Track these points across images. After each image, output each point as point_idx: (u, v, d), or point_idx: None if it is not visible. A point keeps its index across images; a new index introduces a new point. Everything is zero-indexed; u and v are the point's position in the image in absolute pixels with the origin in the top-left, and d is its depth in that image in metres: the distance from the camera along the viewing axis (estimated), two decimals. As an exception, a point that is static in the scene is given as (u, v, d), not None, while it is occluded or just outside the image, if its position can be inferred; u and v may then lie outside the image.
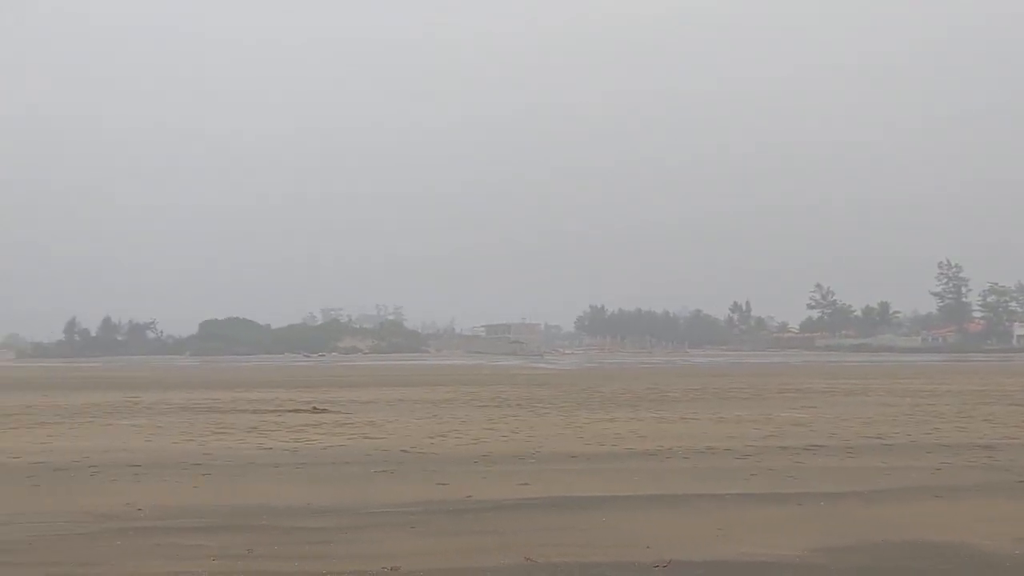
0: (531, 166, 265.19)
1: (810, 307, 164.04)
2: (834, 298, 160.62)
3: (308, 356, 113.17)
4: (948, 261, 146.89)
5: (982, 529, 7.31)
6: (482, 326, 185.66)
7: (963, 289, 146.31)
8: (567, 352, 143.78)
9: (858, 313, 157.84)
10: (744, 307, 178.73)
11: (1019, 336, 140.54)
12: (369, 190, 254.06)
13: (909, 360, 76.75)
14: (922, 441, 13.24)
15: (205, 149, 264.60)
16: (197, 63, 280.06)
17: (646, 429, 15.22)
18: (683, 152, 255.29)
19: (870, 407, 20.06)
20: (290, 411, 19.92)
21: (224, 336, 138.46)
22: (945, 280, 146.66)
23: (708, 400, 22.96)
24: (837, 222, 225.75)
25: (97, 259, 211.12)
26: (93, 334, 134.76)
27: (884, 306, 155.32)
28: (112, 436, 14.56)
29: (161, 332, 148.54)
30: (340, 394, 26.83)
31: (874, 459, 11.30)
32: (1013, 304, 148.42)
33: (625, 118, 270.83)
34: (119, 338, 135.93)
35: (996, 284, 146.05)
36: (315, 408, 20.33)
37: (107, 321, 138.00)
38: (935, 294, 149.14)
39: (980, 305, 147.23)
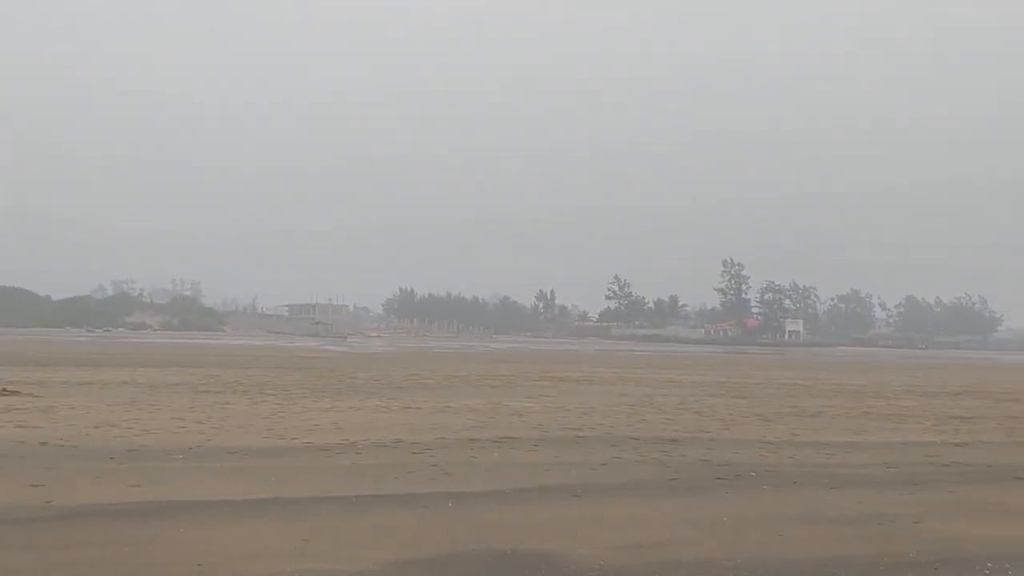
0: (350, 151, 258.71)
1: (608, 298, 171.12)
2: (630, 290, 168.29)
3: (92, 331, 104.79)
4: (732, 260, 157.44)
5: (593, 534, 6.90)
6: (285, 305, 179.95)
7: (743, 287, 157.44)
8: (373, 335, 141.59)
9: (651, 305, 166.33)
10: (549, 296, 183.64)
11: (791, 331, 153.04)
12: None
13: (685, 351, 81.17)
14: (617, 433, 13.15)
15: None
16: None
17: (355, 419, 14.32)
18: (499, 148, 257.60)
19: (604, 397, 20.24)
20: (-28, 393, 17.48)
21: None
22: (728, 278, 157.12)
23: (457, 388, 22.46)
24: (638, 220, 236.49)
25: None
26: None
27: (674, 299, 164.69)
28: None
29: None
30: (65, 374, 24.19)
31: (551, 453, 10.95)
32: (787, 302, 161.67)
33: (446, 114, 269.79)
34: None
35: (772, 283, 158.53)
36: (4, 389, 17.97)
37: None
38: (719, 290, 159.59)
39: (758, 302, 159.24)
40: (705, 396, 21.42)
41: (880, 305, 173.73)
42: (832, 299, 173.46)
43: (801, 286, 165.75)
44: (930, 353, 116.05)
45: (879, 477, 9.80)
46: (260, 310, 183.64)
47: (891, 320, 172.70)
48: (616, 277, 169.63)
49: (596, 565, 6.11)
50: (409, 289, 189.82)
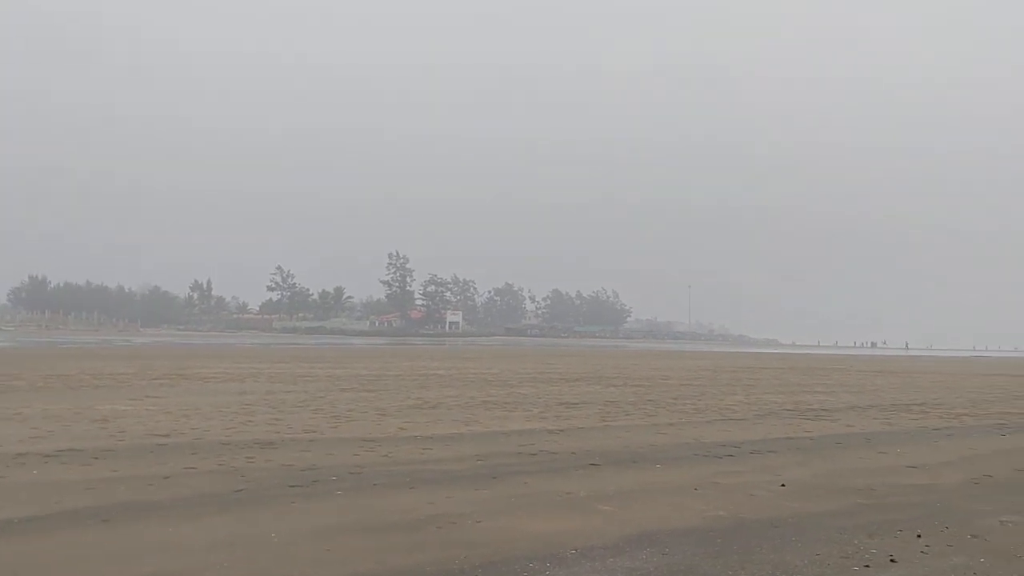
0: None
1: (270, 289, 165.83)
2: (294, 281, 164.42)
3: None
4: (397, 252, 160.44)
5: (106, 569, 5.69)
6: None
7: (408, 279, 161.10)
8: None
9: (315, 297, 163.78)
10: (205, 286, 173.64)
11: (451, 322, 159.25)
12: None
13: (346, 343, 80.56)
14: (209, 438, 11.80)
15: None
16: None
17: None
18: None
19: (222, 395, 18.64)
20: None
21: None
22: (394, 270, 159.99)
23: (48, 390, 19.44)
24: (303, 210, 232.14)
25: None
26: None
27: (339, 291, 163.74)
28: None
29: None
30: None
31: (109, 467, 9.38)
32: (448, 294, 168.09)
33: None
34: None
35: (435, 276, 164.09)
36: None
37: None
38: (384, 282, 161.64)
39: (421, 294, 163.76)
40: (336, 391, 20.68)
41: (530, 298, 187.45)
42: (489, 292, 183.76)
43: (462, 279, 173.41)
44: (569, 341, 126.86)
45: (461, 472, 9.58)
46: None
47: (540, 311, 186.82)
48: (279, 267, 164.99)
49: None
50: (40, 277, 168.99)
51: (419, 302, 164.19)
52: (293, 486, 8.61)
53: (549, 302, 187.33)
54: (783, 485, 9.35)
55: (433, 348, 70.28)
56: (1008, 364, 62.67)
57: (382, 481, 8.98)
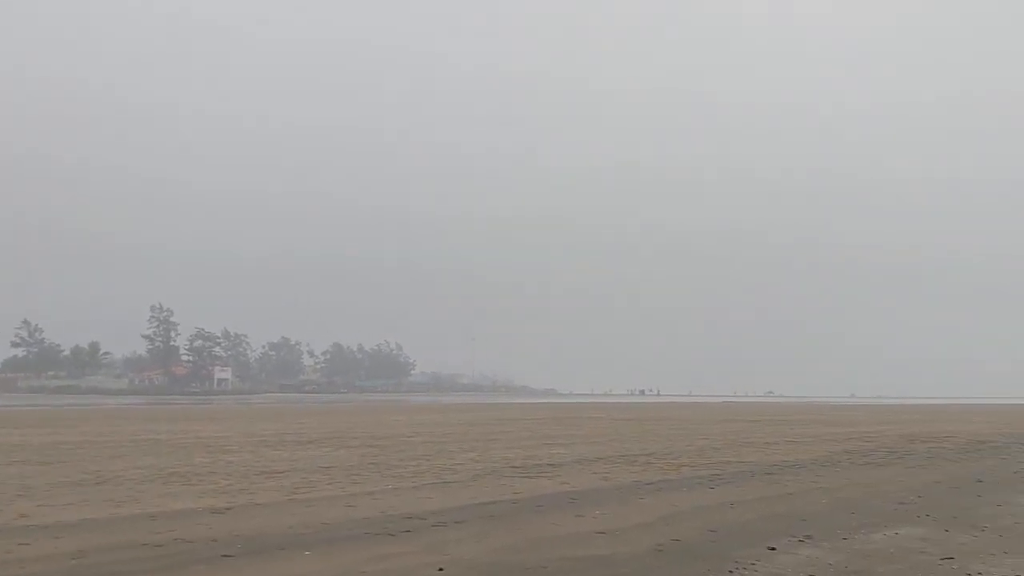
0: None
1: (15, 345, 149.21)
2: (43, 336, 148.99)
3: None
4: (160, 305, 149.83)
5: None
6: None
7: (172, 333, 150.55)
8: None
9: (67, 353, 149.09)
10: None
11: (219, 379, 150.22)
12: None
13: (89, 403, 73.03)
14: None
15: None
16: None
17: None
18: None
19: None
20: None
21: None
22: (156, 323, 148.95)
23: None
24: (58, 255, 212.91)
25: None
26: None
27: (94, 347, 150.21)
28: None
29: None
30: None
31: None
32: (217, 349, 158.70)
33: None
34: None
35: (203, 330, 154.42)
36: None
37: None
38: (146, 336, 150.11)
39: (188, 349, 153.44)
40: (3, 464, 17.41)
41: (309, 352, 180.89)
42: (264, 346, 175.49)
43: (233, 333, 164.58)
44: (348, 396, 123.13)
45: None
46: None
47: (319, 366, 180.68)
48: (26, 321, 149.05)
49: None
50: None
51: (185, 358, 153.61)
52: None
53: (329, 356, 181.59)
54: (441, 569, 8.02)
55: (187, 408, 64.98)
56: (760, 408, 67.06)
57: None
